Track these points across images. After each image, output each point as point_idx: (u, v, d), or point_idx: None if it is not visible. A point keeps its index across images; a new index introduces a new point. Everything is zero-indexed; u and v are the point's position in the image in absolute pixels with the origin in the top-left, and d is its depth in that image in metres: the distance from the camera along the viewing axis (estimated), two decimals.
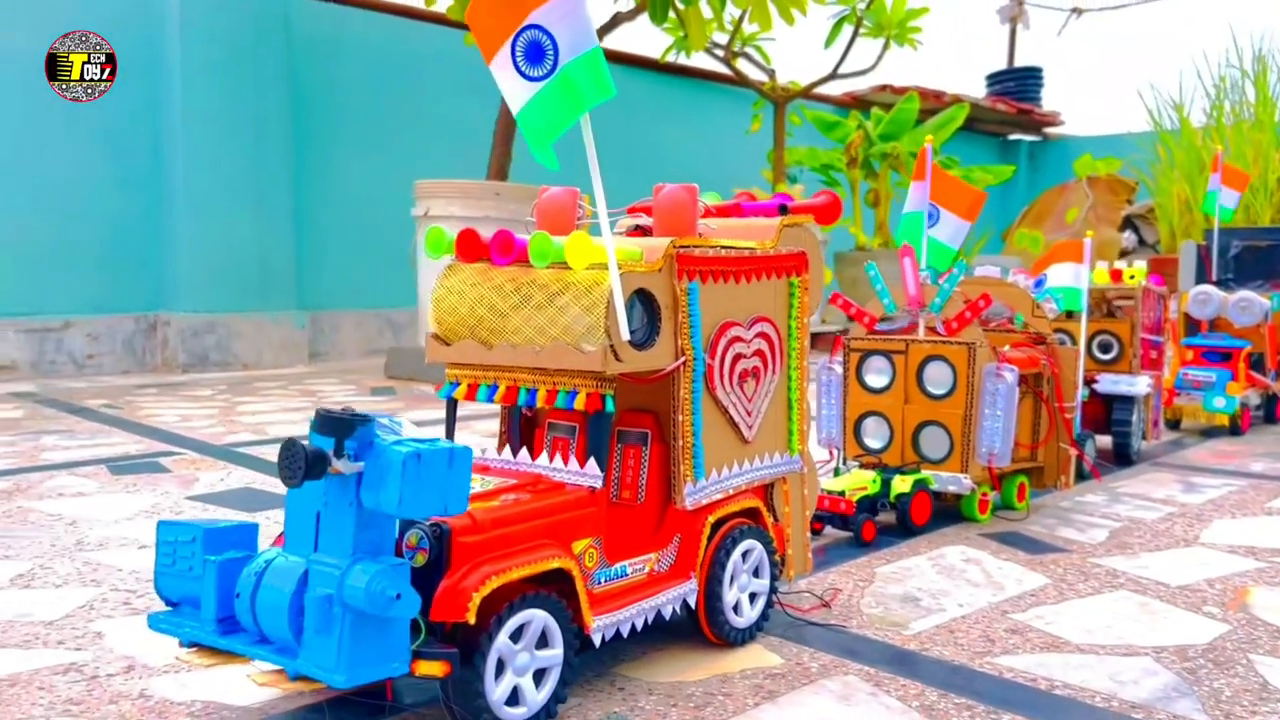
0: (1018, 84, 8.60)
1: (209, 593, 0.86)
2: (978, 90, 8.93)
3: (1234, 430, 2.75)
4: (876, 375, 1.79)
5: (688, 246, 1.09)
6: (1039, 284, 2.13)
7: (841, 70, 5.57)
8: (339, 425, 0.77)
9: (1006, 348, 1.76)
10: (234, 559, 0.87)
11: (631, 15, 3.88)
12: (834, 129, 5.89)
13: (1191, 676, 1.09)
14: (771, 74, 5.64)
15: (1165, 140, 7.06)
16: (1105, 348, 2.32)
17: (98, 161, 4.07)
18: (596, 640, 0.99)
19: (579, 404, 1.01)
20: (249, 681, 1.02)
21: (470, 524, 0.89)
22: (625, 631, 1.02)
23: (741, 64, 5.61)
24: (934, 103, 7.32)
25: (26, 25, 3.81)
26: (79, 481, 2.00)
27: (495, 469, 1.08)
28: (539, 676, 0.94)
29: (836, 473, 1.72)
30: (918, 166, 1.91)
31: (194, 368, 4.10)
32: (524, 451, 1.08)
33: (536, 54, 0.94)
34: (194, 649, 0.88)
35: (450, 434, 1.13)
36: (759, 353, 1.19)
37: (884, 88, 7.10)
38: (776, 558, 1.23)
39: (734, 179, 5.90)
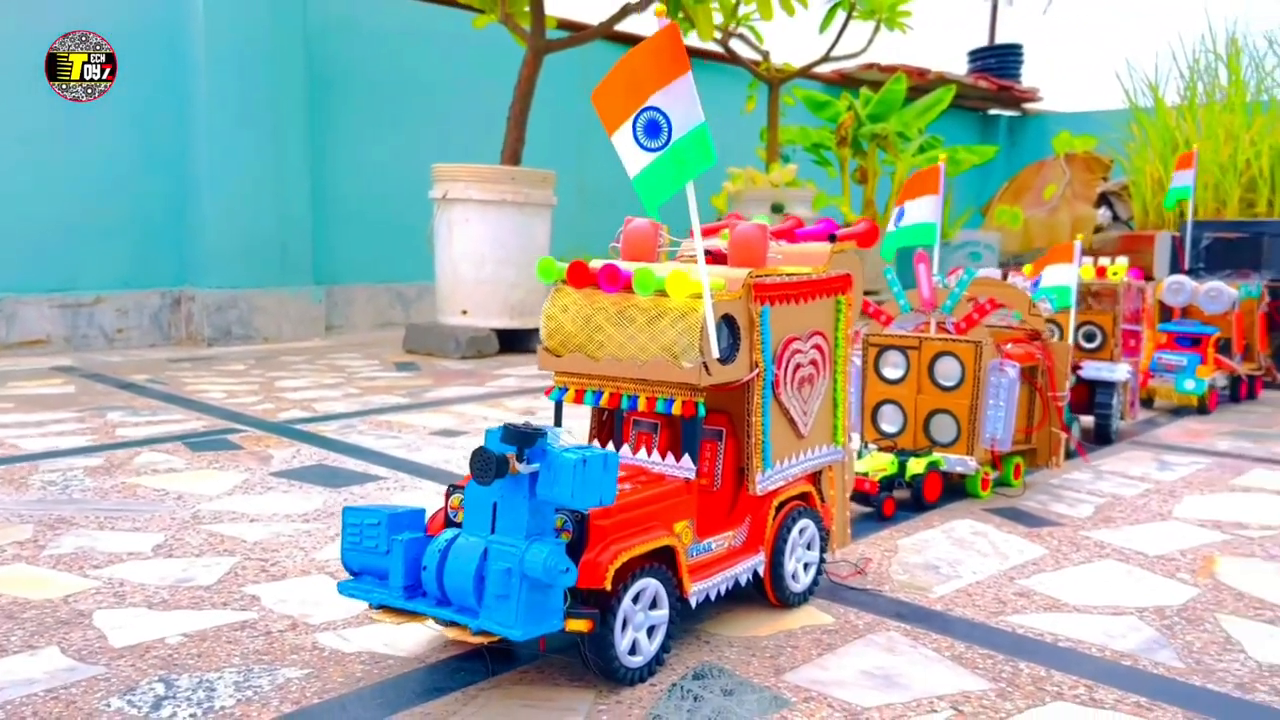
0: (998, 61, 8.82)
1: (397, 565, 1.08)
2: (960, 66, 9.15)
3: (1202, 410, 3.00)
4: (892, 368, 2.02)
5: (761, 277, 1.31)
6: (1035, 284, 2.37)
7: (833, 53, 5.77)
8: (522, 436, 0.99)
9: (1009, 345, 1.99)
10: (415, 538, 1.09)
11: (640, 7, 4.06)
12: (824, 108, 6.09)
13: (1169, 632, 1.34)
14: (765, 55, 5.83)
15: (1140, 119, 7.30)
16: (1090, 337, 2.56)
17: (125, 145, 4.23)
18: (693, 602, 1.21)
19: (676, 409, 1.23)
20: (417, 634, 1.24)
21: (602, 511, 1.11)
22: (713, 596, 1.25)
23: (737, 45, 5.79)
24: (918, 80, 7.53)
25: (59, 10, 3.95)
26: (165, 458, 2.20)
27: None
28: (650, 632, 1.17)
29: (859, 456, 1.95)
30: (925, 181, 2.11)
31: (218, 341, 4.28)
32: (625, 448, 1.30)
33: (654, 130, 1.15)
34: (382, 609, 1.10)
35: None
36: (813, 361, 1.41)
37: (871, 66, 7.30)
38: (825, 533, 1.47)
39: (731, 155, 6.12)
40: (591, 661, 1.12)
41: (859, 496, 1.85)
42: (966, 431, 1.94)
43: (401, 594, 1.08)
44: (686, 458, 1.25)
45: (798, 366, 1.38)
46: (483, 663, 1.19)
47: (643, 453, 1.29)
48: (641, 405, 1.26)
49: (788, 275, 1.36)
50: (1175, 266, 3.40)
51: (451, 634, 1.04)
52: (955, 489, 2.02)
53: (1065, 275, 2.34)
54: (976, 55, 9.00)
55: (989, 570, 1.57)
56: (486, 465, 0.98)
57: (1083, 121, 8.66)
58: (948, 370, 1.96)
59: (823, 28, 5.53)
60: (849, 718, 1.08)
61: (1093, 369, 2.53)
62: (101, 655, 1.20)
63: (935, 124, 8.17)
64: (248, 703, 1.08)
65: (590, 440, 1.37)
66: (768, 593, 1.37)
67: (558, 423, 1.36)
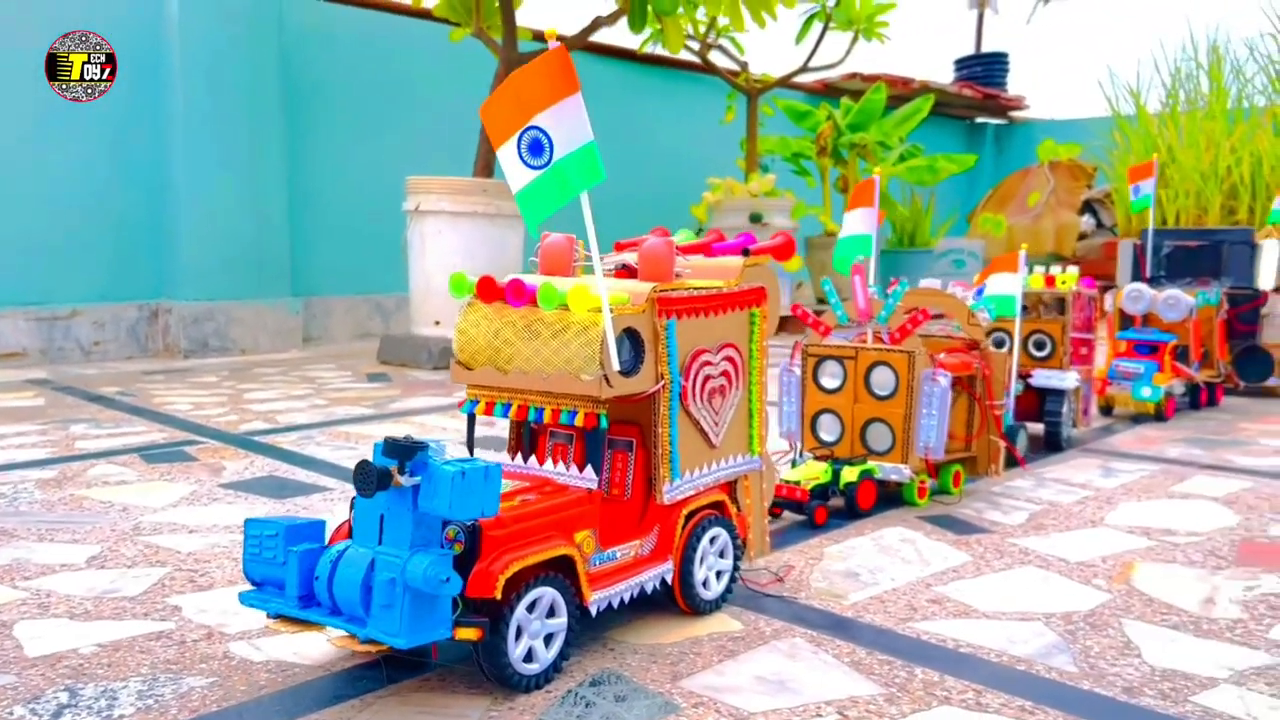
0: (984, 69, 8.86)
1: (292, 576, 1.11)
2: (946, 75, 9.19)
3: (1159, 417, 3.02)
4: (830, 378, 2.05)
5: (666, 290, 1.34)
6: (979, 293, 2.39)
7: (812, 64, 5.80)
8: (402, 450, 1.01)
9: (943, 355, 2.02)
10: (311, 549, 1.11)
11: (612, 19, 4.10)
12: (805, 118, 6.13)
13: (1070, 636, 1.36)
14: (744, 66, 5.86)
15: (1122, 127, 7.33)
16: (1040, 345, 2.59)
17: (102, 159, 4.27)
18: (593, 611, 1.24)
19: (578, 421, 1.26)
20: (324, 643, 1.27)
21: (495, 521, 1.14)
22: (615, 604, 1.27)
23: (716, 56, 5.83)
24: (901, 89, 7.57)
25: (29, 27, 3.99)
26: (118, 470, 2.23)
27: (509, 472, 1.32)
28: (548, 640, 1.19)
29: (794, 464, 1.97)
30: (864, 194, 2.14)
31: (195, 353, 4.32)
32: (533, 458, 1.33)
33: (537, 149, 1.18)
34: (279, 619, 1.13)
35: (471, 440, 1.38)
36: (725, 373, 1.44)
37: (854, 75, 7.34)
38: (739, 541, 1.49)
39: (711, 165, 6.16)
40: (486, 669, 1.14)
41: (791, 505, 1.87)
42: (901, 440, 1.96)
43: (297, 604, 1.11)
44: (589, 469, 1.28)
45: (707, 378, 1.41)
46: (388, 670, 1.22)
47: (560, 465, 1.32)
48: (547, 417, 1.29)
49: (695, 289, 1.39)
50: (1137, 274, 3.43)
51: (341, 643, 1.07)
52: (893, 497, 2.04)
53: (1010, 284, 2.37)
54: (962, 63, 9.05)
55: (908, 577, 1.60)
56: (367, 478, 1.01)
57: (1069, 129, 8.70)
58: (883, 380, 1.98)
59: (798, 39, 5.56)
60: None
61: (1042, 377, 2.56)
62: (14, 665, 1.22)
63: (922, 132, 8.21)
64: (147, 711, 1.11)
65: (511, 452, 1.40)
66: (678, 600, 1.39)
67: (470, 435, 1.39)
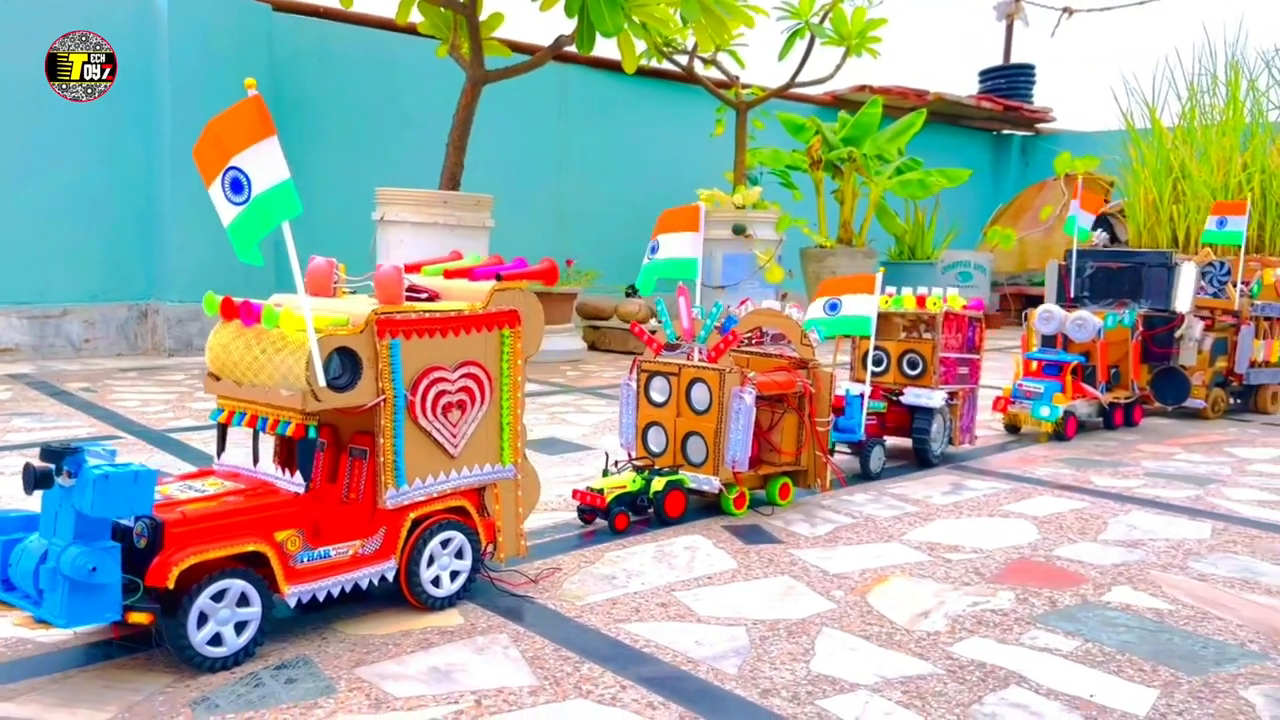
0: (1008, 81, 8.81)
1: None
2: (974, 86, 9.16)
3: (1059, 436, 3.07)
4: (658, 392, 2.16)
5: (389, 313, 1.47)
6: (834, 307, 2.48)
7: (805, 79, 5.88)
8: (56, 454, 1.16)
9: (752, 373, 2.11)
10: (12, 539, 1.26)
11: (573, 38, 4.23)
12: (801, 131, 6.20)
13: (759, 642, 1.46)
14: (735, 80, 5.96)
15: (1136, 141, 7.26)
16: (913, 365, 2.66)
17: (96, 167, 4.52)
18: (291, 603, 1.37)
19: (289, 431, 1.39)
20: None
21: (181, 519, 1.28)
22: (321, 597, 1.40)
23: (711, 70, 5.93)
24: (915, 101, 7.58)
25: (22, 35, 4.25)
26: (16, 463, 2.42)
27: (243, 475, 1.47)
28: (243, 626, 1.33)
29: (605, 474, 2.09)
30: (681, 218, 2.23)
31: (179, 352, 4.55)
32: (265, 462, 1.47)
33: (237, 187, 1.32)
34: None
35: (221, 447, 1.53)
36: (465, 389, 1.56)
37: (863, 88, 7.38)
38: (487, 545, 1.62)
39: (703, 177, 6.26)
40: (171, 650, 1.28)
41: (598, 512, 1.99)
42: (713, 452, 2.07)
43: (1, 587, 1.26)
44: (298, 474, 1.41)
45: (441, 394, 1.53)
46: (113, 647, 1.36)
47: (284, 470, 1.45)
48: (269, 427, 1.43)
49: (427, 311, 1.52)
50: (1062, 294, 3.47)
51: (21, 623, 1.22)
52: (713, 506, 2.14)
53: (865, 305, 2.46)
54: (987, 75, 9.01)
55: (658, 582, 1.70)
56: (27, 478, 1.16)
57: (1090, 142, 8.61)
58: (699, 395, 2.09)
59: (782, 55, 5.64)
60: (372, 705, 1.23)
61: (912, 395, 2.63)
62: None
63: (945, 144, 8.23)
64: None
65: (274, 458, 1.53)
66: (407, 596, 1.52)
67: (220, 441, 1.53)
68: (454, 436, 1.56)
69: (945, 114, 8.22)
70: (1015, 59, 9.55)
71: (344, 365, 1.42)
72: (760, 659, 1.40)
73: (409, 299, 1.54)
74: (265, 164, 1.31)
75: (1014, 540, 2.01)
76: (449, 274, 1.69)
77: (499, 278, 1.65)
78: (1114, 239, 7.70)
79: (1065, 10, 8.70)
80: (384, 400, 1.46)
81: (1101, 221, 7.74)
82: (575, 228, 6.16)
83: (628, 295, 5.49)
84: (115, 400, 3.37)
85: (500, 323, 1.61)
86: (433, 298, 1.60)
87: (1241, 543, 2.03)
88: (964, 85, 9.22)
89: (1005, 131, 9.20)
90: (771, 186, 6.21)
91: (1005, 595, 1.69)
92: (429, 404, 1.51)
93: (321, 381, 1.38)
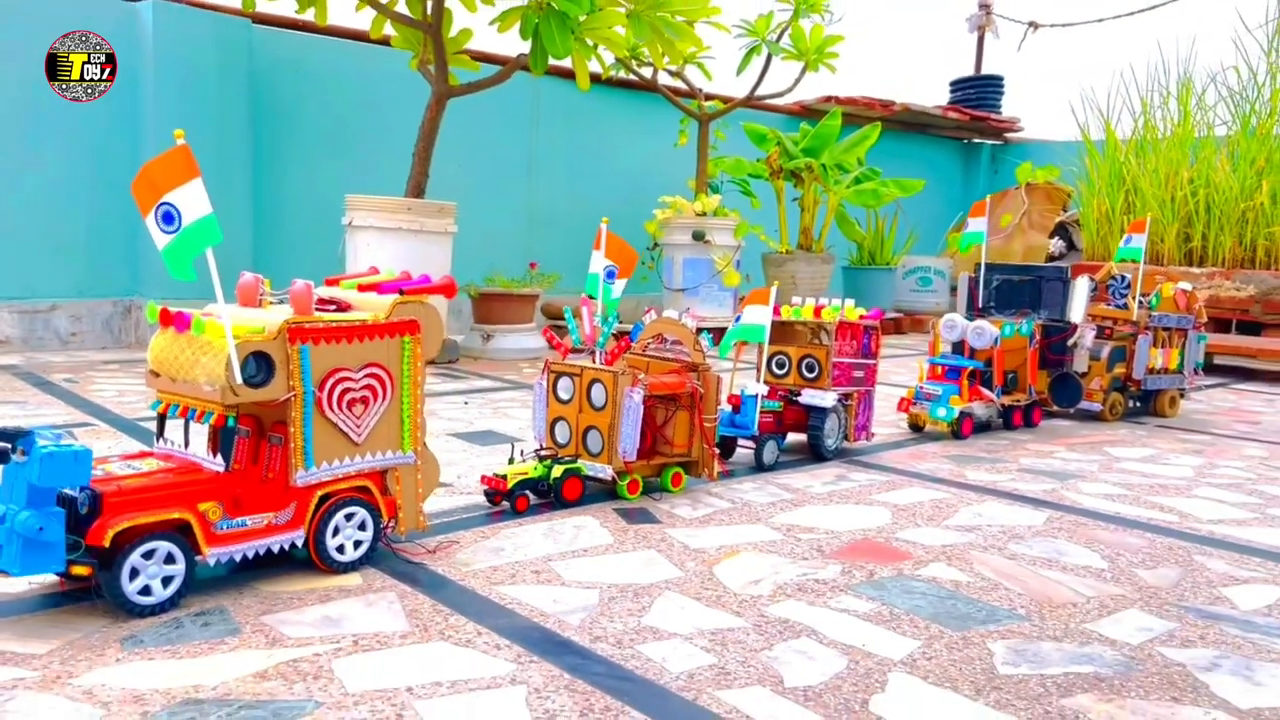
0: (978, 91, 9.09)
1: None
2: (944, 96, 9.43)
3: (956, 435, 3.35)
4: (564, 391, 2.44)
5: (300, 323, 1.75)
6: (739, 319, 2.77)
7: (768, 91, 6.17)
8: (12, 435, 1.44)
9: (641, 375, 2.40)
10: None
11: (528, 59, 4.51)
12: (764, 141, 6.48)
13: (607, 602, 1.74)
14: (698, 93, 6.24)
15: (1091, 153, 7.54)
16: (810, 368, 2.94)
17: (82, 167, 4.81)
18: (211, 562, 1.66)
19: (213, 422, 1.68)
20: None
21: (117, 490, 1.56)
22: (239, 558, 1.69)
23: (677, 82, 6.22)
24: (880, 111, 7.86)
25: (15, 46, 4.54)
26: None
27: (175, 456, 1.75)
28: (169, 580, 1.62)
29: (511, 461, 2.37)
30: (598, 240, 2.52)
31: None
32: (197, 445, 1.75)
33: (169, 219, 1.60)
34: None
35: (160, 432, 1.81)
36: (368, 387, 1.85)
37: (829, 98, 7.65)
38: (389, 520, 1.90)
39: (668, 184, 6.55)
40: (108, 598, 1.57)
41: (506, 495, 2.28)
42: (607, 444, 2.35)
43: None
44: (220, 456, 1.70)
45: (346, 390, 1.82)
46: (61, 596, 1.65)
47: (212, 453, 1.74)
48: (197, 417, 1.71)
49: (334, 321, 1.80)
50: (970, 304, 3.75)
51: None
52: (612, 491, 2.43)
53: (761, 315, 2.74)
54: (957, 85, 9.29)
55: (540, 553, 1.99)
56: None
57: (1058, 152, 8.89)
58: (598, 394, 2.37)
59: (739, 71, 5.93)
60: (269, 643, 1.51)
61: (807, 395, 2.92)
62: None
63: (917, 152, 8.50)
64: None
65: (208, 442, 1.82)
66: (315, 560, 1.81)
67: (160, 428, 1.82)
68: (358, 427, 1.84)
69: (914, 123, 8.50)
70: (986, 70, 9.82)
71: (259, 366, 1.71)
72: (601, 614, 1.69)
73: (320, 310, 1.83)
74: (192, 201, 1.60)
75: (865, 524, 2.29)
76: (362, 288, 1.97)
77: (402, 292, 1.94)
78: (1071, 247, 7.98)
79: (1031, 24, 8.97)
80: (294, 396, 1.74)
81: (1059, 230, 8.03)
82: (544, 231, 6.44)
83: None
84: (94, 390, 3.65)
85: (402, 330, 1.90)
86: (343, 309, 1.88)
87: (1065, 529, 2.31)
88: (939, 95, 9.49)
89: (975, 140, 9.47)
90: (732, 194, 6.49)
91: (834, 569, 1.97)
92: (334, 399, 1.80)
93: (239, 379, 1.66)
